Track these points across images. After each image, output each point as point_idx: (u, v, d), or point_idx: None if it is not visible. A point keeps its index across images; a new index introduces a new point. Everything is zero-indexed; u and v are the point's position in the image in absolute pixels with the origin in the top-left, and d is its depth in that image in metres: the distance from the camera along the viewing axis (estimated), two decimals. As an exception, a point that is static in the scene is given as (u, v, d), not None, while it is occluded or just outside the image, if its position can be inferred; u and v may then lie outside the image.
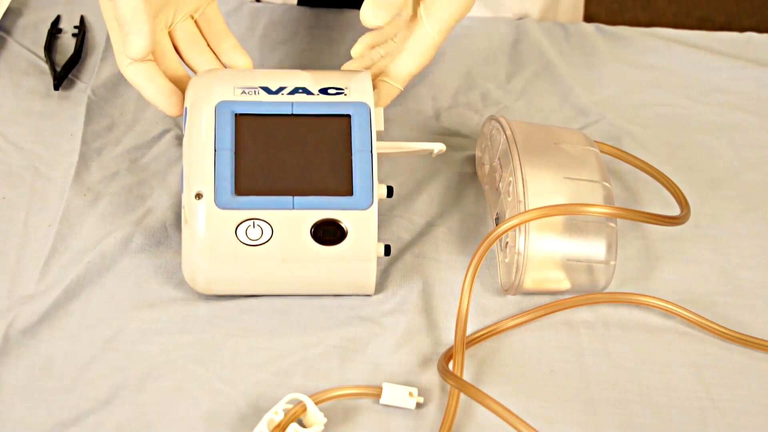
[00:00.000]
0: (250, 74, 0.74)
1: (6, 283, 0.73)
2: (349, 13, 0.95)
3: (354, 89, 0.73)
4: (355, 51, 0.81)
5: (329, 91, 0.73)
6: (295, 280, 0.72)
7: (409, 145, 0.76)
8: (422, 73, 0.91)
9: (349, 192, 0.70)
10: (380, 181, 0.81)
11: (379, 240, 0.73)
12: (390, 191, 0.72)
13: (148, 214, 0.78)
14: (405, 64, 0.77)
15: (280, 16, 0.95)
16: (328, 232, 0.70)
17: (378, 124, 0.73)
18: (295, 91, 0.73)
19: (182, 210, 0.70)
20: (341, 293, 0.74)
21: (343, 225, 0.70)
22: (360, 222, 0.70)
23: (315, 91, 0.73)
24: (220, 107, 0.71)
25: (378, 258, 0.72)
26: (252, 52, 0.91)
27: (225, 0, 0.95)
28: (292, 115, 0.72)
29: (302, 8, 0.96)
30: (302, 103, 0.72)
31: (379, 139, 0.74)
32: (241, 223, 0.69)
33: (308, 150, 0.71)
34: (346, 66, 0.82)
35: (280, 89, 0.73)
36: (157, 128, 0.84)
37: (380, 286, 0.75)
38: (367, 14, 0.73)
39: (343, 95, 0.73)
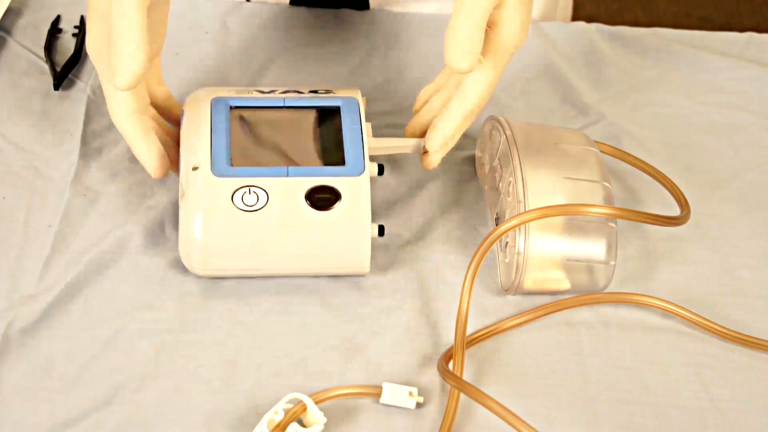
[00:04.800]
0: (243, 88, 0.78)
1: (6, 283, 0.73)
2: (345, 12, 0.95)
3: (342, 91, 0.77)
4: (416, 108, 0.80)
5: (319, 92, 0.77)
6: (290, 252, 0.72)
7: (392, 141, 0.78)
8: (422, 73, 0.91)
9: (342, 162, 0.73)
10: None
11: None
12: (381, 169, 0.74)
13: (148, 214, 0.78)
14: (461, 103, 0.73)
15: (276, 16, 0.95)
16: (322, 198, 0.71)
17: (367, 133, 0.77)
18: (286, 92, 0.77)
19: (179, 189, 0.72)
20: (337, 270, 0.74)
21: (336, 190, 0.71)
22: (353, 188, 0.71)
23: (305, 91, 0.77)
24: (215, 101, 0.75)
25: (372, 239, 0.72)
26: (247, 52, 0.91)
27: (222, 0, 0.95)
28: (284, 107, 0.76)
29: (298, 8, 0.96)
30: (294, 98, 0.76)
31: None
32: (237, 189, 0.71)
33: (300, 131, 0.75)
34: (411, 123, 0.80)
35: (272, 91, 0.77)
36: (157, 128, 0.84)
37: (380, 286, 0.75)
38: (454, 57, 0.69)
39: (332, 94, 0.77)
